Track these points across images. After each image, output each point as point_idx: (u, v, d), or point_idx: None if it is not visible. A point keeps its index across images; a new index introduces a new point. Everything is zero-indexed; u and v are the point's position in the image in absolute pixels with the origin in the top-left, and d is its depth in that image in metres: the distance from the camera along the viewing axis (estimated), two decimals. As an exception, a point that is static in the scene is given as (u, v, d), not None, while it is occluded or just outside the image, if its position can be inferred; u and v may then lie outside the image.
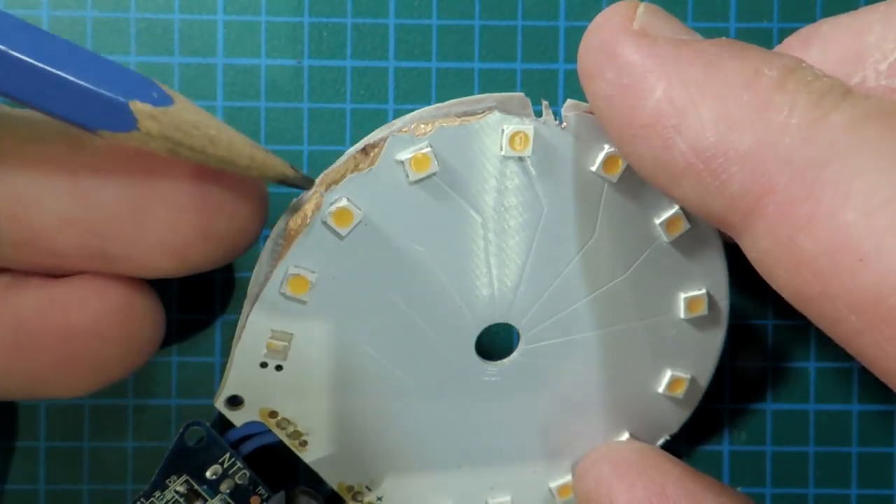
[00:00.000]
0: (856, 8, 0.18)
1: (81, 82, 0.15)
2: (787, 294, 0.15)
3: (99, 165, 0.17)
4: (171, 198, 0.17)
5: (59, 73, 0.15)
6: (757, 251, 0.15)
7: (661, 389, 0.21)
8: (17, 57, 0.15)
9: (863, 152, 0.14)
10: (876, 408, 0.23)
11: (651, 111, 0.15)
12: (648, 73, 0.15)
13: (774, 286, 0.15)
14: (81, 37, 0.22)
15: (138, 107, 0.15)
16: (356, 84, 0.22)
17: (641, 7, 0.16)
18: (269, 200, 0.18)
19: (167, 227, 0.17)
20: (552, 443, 0.21)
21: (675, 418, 0.21)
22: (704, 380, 0.21)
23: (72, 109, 0.15)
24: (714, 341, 0.21)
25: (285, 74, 0.22)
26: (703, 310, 0.20)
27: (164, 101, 0.16)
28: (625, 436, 0.21)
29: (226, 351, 0.22)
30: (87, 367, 0.18)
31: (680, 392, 0.21)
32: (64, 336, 0.18)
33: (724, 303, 0.20)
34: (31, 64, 0.15)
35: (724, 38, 0.16)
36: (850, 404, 0.23)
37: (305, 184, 0.18)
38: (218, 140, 0.16)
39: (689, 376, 0.21)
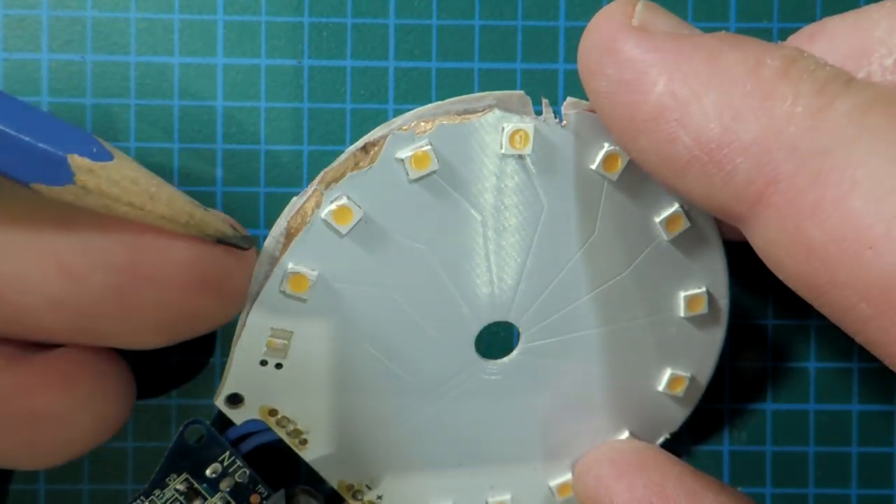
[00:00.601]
0: (856, 7, 0.18)
1: (18, 134, 0.15)
2: (795, 284, 0.15)
3: (87, 247, 0.17)
4: (158, 279, 0.17)
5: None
6: (764, 241, 0.15)
7: (661, 388, 0.21)
8: None
9: (868, 139, 0.14)
10: (876, 408, 0.23)
11: (653, 105, 0.15)
12: (649, 67, 0.15)
13: (782, 277, 0.15)
14: (81, 37, 0.22)
15: (76, 161, 0.16)
16: (356, 84, 0.22)
17: (640, 4, 0.16)
18: (246, 277, 0.19)
19: (155, 307, 0.17)
20: (552, 441, 0.21)
21: (676, 417, 0.21)
22: (704, 378, 0.21)
23: (6, 161, 0.15)
24: (714, 340, 0.21)
25: (285, 74, 0.22)
26: (703, 308, 0.20)
27: (104, 156, 0.16)
28: (625, 434, 0.21)
29: (226, 351, 0.22)
30: (52, 447, 0.18)
31: (680, 390, 0.21)
32: (29, 420, 0.18)
33: (723, 301, 0.20)
34: None
35: (723, 31, 0.16)
36: (850, 404, 0.23)
37: (245, 243, 0.18)
38: (158, 197, 0.16)
39: (689, 375, 0.21)
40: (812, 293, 0.14)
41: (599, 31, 0.16)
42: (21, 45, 0.22)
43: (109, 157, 0.16)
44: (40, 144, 0.15)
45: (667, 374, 0.21)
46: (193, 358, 0.23)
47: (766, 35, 0.23)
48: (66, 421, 0.18)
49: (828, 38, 0.17)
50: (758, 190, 0.14)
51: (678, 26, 0.16)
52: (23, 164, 0.15)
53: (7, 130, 0.15)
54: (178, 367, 0.22)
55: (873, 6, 0.17)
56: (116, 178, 0.16)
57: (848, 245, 0.13)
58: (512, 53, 0.22)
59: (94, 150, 0.16)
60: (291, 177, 0.22)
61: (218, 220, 0.17)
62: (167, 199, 0.17)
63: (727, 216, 0.15)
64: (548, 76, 0.22)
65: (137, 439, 0.23)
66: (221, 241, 0.17)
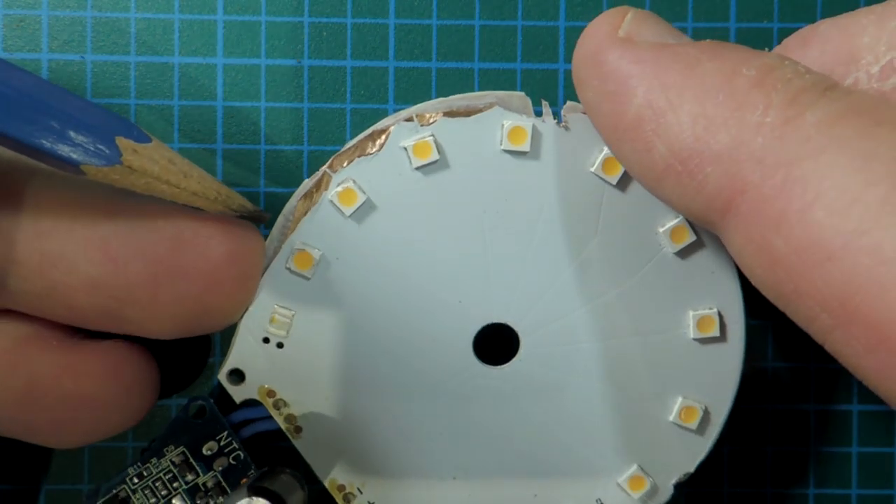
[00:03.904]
0: (855, 8, 0.18)
1: (75, 117, 0.16)
2: (765, 292, 0.15)
3: (131, 236, 0.18)
4: (190, 275, 0.18)
5: (53, 107, 0.16)
6: (735, 250, 0.15)
7: (671, 418, 0.20)
8: (13, 93, 0.16)
9: (835, 150, 0.14)
10: (876, 408, 0.23)
11: (632, 116, 0.15)
12: (629, 78, 0.16)
13: (754, 284, 0.15)
14: (81, 37, 0.22)
15: (123, 142, 0.17)
16: (356, 84, 0.22)
17: (629, 14, 0.16)
18: (258, 283, 0.20)
19: (181, 300, 0.18)
20: (554, 462, 0.20)
21: (690, 454, 0.20)
22: (720, 412, 0.20)
23: (63, 145, 0.16)
24: (730, 368, 0.20)
25: (285, 74, 0.22)
26: (714, 330, 0.20)
27: (144, 138, 0.17)
28: (633, 467, 0.20)
29: (224, 350, 0.22)
30: (83, 430, 0.19)
31: (693, 422, 0.20)
32: (71, 401, 0.19)
33: (737, 326, 0.20)
34: (27, 99, 0.16)
35: (709, 39, 0.16)
36: (850, 404, 0.23)
37: (262, 217, 0.19)
38: (191, 175, 0.18)
39: (702, 405, 0.20)
40: (779, 302, 0.15)
41: (587, 43, 0.16)
42: (21, 45, 0.22)
43: (148, 140, 0.17)
44: (94, 128, 0.17)
45: (677, 402, 0.20)
46: (193, 358, 0.23)
47: (766, 35, 0.23)
48: (104, 408, 0.19)
49: (820, 43, 0.17)
50: (727, 199, 0.15)
51: (666, 35, 0.16)
52: (77, 147, 0.16)
53: (70, 114, 0.16)
54: (177, 366, 0.22)
55: (863, 10, 0.17)
56: (156, 157, 0.17)
57: (808, 256, 0.14)
58: (512, 53, 0.22)
59: (135, 133, 0.17)
60: (291, 177, 0.22)
61: (241, 197, 0.19)
62: (198, 177, 0.18)
63: (704, 224, 0.16)
64: (548, 76, 0.22)
65: (137, 439, 0.23)
66: (244, 215, 0.19)
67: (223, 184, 0.19)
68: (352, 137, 0.22)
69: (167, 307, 0.18)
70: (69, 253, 0.17)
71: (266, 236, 0.20)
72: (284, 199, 0.20)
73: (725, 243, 0.16)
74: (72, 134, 0.16)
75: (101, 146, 0.17)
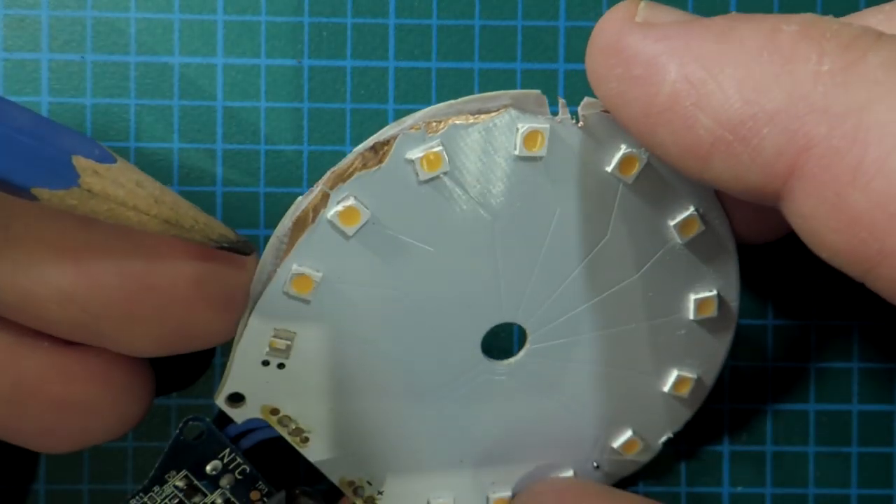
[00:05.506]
0: (855, 8, 0.18)
1: (19, 136, 0.14)
2: (840, 261, 0.14)
3: (105, 249, 0.17)
4: (167, 290, 0.17)
5: None
6: (802, 217, 0.14)
7: (666, 389, 0.21)
8: None
9: None
10: (876, 408, 0.23)
11: (667, 94, 0.14)
12: (659, 56, 0.15)
13: (826, 256, 0.14)
14: (81, 37, 0.22)
15: (81, 162, 0.15)
16: (356, 84, 0.22)
17: (642, 3, 0.16)
18: (246, 306, 0.19)
19: (158, 316, 0.17)
20: (555, 440, 0.21)
21: (680, 417, 0.21)
22: (710, 379, 0.21)
23: (5, 165, 0.14)
24: (721, 342, 0.21)
25: (285, 74, 0.22)
26: (712, 311, 0.20)
27: (107, 158, 0.15)
28: (628, 433, 0.21)
29: (226, 350, 0.22)
30: (73, 433, 0.19)
31: (685, 392, 0.21)
32: (59, 405, 0.18)
33: (733, 304, 0.20)
34: None
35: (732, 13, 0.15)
36: (850, 404, 0.23)
37: (246, 248, 0.18)
38: (163, 200, 0.16)
39: (695, 376, 0.21)
40: (861, 267, 0.13)
41: (604, 34, 0.15)
42: (21, 45, 0.22)
43: (112, 160, 0.15)
44: (43, 145, 0.14)
45: (673, 375, 0.21)
46: (193, 358, 0.23)
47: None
48: (95, 412, 0.18)
49: None
50: (790, 161, 0.13)
51: (684, 17, 0.15)
52: (23, 168, 0.14)
53: (6, 132, 0.14)
54: (178, 365, 0.22)
55: (871, 10, 0.17)
56: (122, 180, 0.15)
57: (895, 208, 0.12)
58: (512, 53, 0.22)
59: (97, 152, 0.15)
60: (291, 177, 0.22)
61: (221, 226, 0.17)
62: (172, 203, 0.16)
63: (762, 197, 0.14)
64: (548, 76, 0.22)
65: (137, 439, 0.23)
66: (224, 246, 0.17)
67: (201, 210, 0.17)
68: (352, 137, 0.22)
69: (145, 325, 0.17)
70: (39, 262, 0.16)
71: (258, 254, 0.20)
72: (284, 199, 0.19)
73: (788, 212, 0.14)
74: (19, 153, 0.14)
75: (54, 167, 0.14)
